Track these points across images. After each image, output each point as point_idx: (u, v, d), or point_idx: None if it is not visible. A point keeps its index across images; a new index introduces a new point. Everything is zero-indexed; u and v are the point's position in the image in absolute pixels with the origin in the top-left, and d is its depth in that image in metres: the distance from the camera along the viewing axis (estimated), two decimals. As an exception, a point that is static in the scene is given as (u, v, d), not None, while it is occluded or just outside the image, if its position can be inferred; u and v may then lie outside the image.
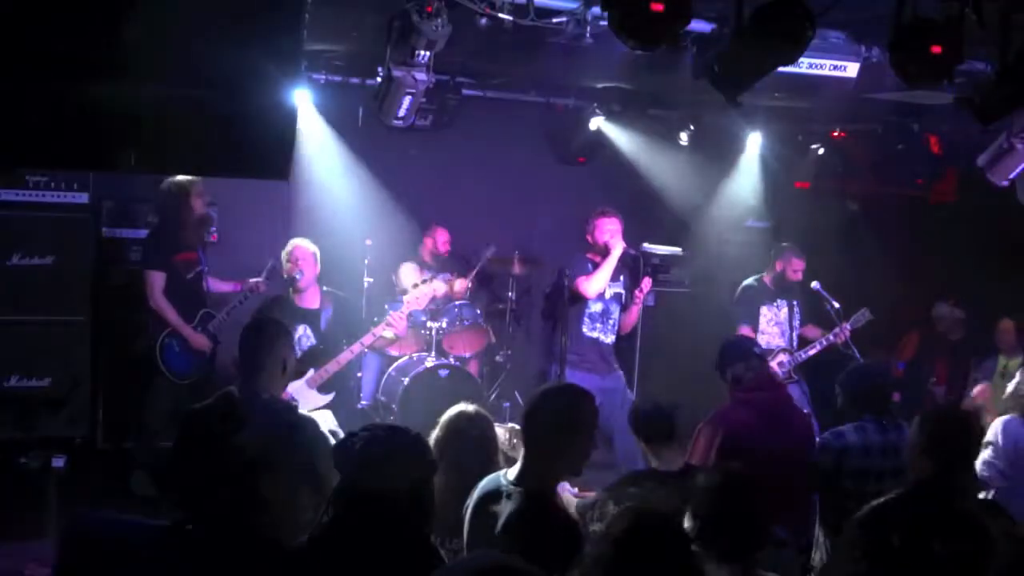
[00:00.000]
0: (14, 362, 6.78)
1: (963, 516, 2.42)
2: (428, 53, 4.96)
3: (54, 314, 6.90)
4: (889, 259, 8.83)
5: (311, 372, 5.79)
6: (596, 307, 6.62)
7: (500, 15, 4.75)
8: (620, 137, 8.36)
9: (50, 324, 6.90)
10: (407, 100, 5.34)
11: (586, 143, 8.40)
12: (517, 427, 5.36)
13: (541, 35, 5.16)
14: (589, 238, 6.61)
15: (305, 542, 2.84)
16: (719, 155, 8.84)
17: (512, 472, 3.38)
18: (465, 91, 7.56)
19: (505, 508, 3.24)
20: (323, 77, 7.08)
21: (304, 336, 5.99)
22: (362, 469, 2.80)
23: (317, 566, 2.77)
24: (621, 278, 6.72)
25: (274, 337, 4.21)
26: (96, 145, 3.81)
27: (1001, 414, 5.18)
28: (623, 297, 6.73)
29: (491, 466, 3.66)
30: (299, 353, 5.70)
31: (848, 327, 7.17)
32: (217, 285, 6.72)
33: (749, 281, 7.55)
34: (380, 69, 5.40)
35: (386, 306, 7.17)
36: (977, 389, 6.73)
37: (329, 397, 5.85)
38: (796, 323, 7.48)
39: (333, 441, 3.69)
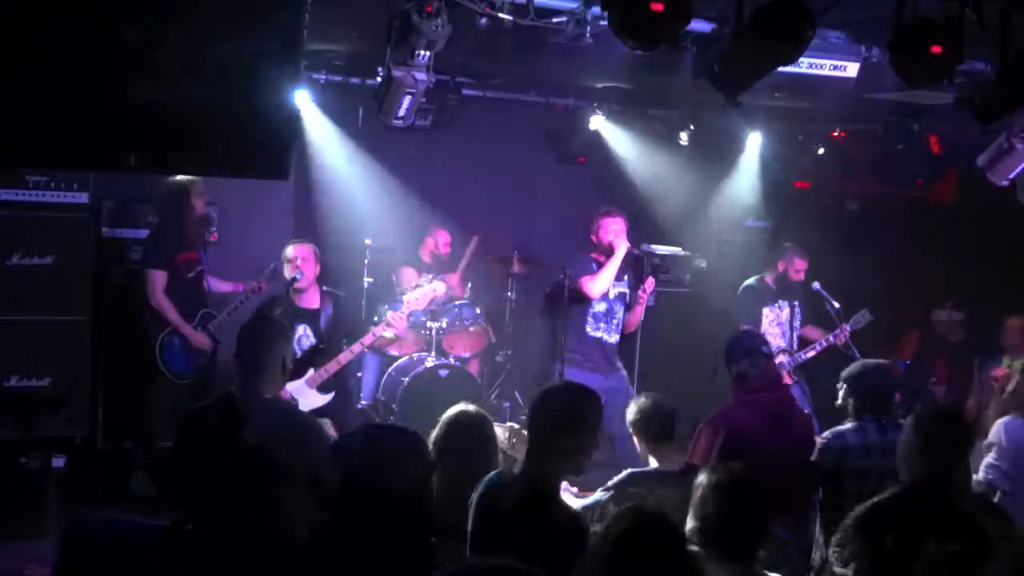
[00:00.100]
0: (14, 362, 6.78)
1: (961, 516, 2.42)
2: (428, 53, 4.96)
3: (54, 314, 6.90)
4: (889, 259, 8.83)
5: (311, 372, 5.79)
6: (600, 307, 6.60)
7: (500, 15, 4.75)
8: (620, 137, 8.37)
9: (50, 324, 6.89)
10: (407, 100, 5.34)
11: (586, 143, 8.40)
12: (517, 427, 5.38)
13: (541, 35, 5.16)
14: (593, 238, 6.59)
15: (305, 542, 2.84)
16: (719, 155, 8.84)
17: (516, 468, 3.39)
18: (465, 91, 7.56)
19: (508, 504, 3.24)
20: (323, 77, 7.09)
21: (304, 336, 5.99)
22: (361, 469, 2.80)
23: (317, 566, 2.77)
24: (625, 277, 6.71)
25: (274, 337, 4.21)
26: (96, 145, 3.80)
27: (1001, 414, 5.19)
28: (627, 296, 6.72)
29: (491, 466, 3.66)
30: (299, 353, 5.71)
31: (848, 328, 7.16)
32: (217, 285, 6.73)
33: (750, 281, 7.54)
34: (380, 69, 5.40)
35: (386, 306, 7.17)
36: (999, 371, 6.63)
37: (329, 397, 5.85)
38: (797, 324, 7.48)
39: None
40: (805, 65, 5.29)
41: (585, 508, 3.97)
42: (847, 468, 4.42)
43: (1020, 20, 4.66)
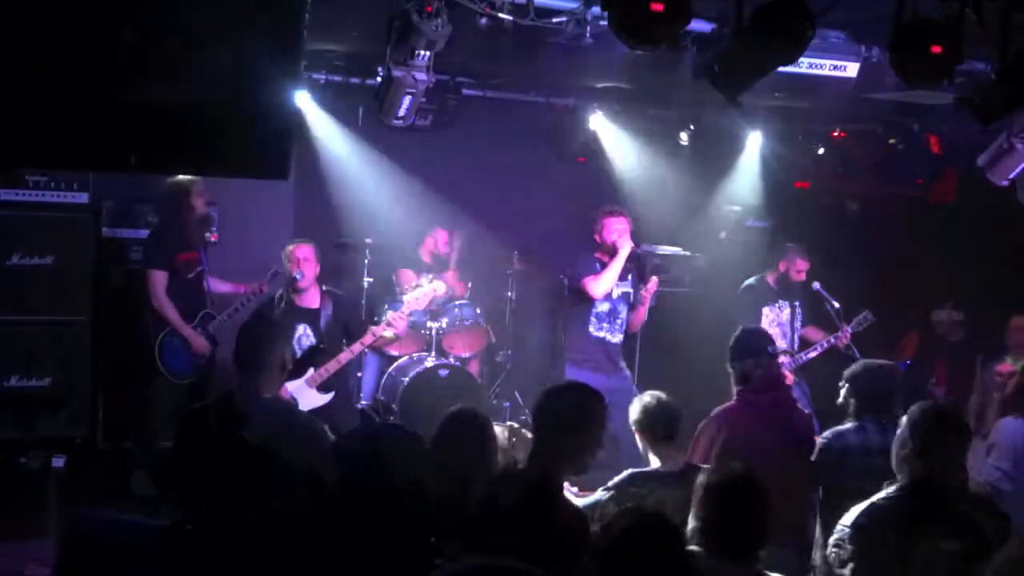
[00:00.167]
0: (14, 362, 6.77)
1: (959, 516, 2.43)
2: (428, 53, 4.96)
3: (54, 314, 6.89)
4: (889, 259, 8.83)
5: (311, 371, 5.79)
6: (603, 307, 6.58)
7: (500, 15, 4.75)
8: (620, 137, 8.36)
9: (50, 324, 6.88)
10: (407, 100, 5.34)
11: (586, 143, 8.40)
12: (517, 426, 5.40)
13: (541, 35, 5.16)
14: (597, 237, 6.58)
15: (305, 542, 2.84)
16: (719, 155, 8.83)
17: (520, 466, 3.39)
18: (465, 91, 7.56)
19: (512, 503, 3.24)
20: (323, 77, 7.08)
21: (304, 335, 5.98)
22: (361, 468, 2.80)
23: (317, 566, 2.77)
24: (629, 277, 6.68)
25: (273, 337, 4.22)
26: (96, 145, 3.80)
27: (1002, 414, 5.18)
28: (631, 296, 6.70)
29: (491, 466, 3.66)
30: (299, 352, 5.70)
31: (849, 330, 7.14)
32: (217, 285, 6.72)
33: (751, 281, 7.53)
34: (380, 69, 5.40)
35: (386, 306, 7.17)
36: (1004, 366, 6.62)
37: (329, 396, 5.84)
38: (798, 324, 7.46)
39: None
40: (805, 65, 5.29)
41: (585, 508, 3.96)
42: (847, 468, 4.42)
43: (1020, 20, 4.66)
